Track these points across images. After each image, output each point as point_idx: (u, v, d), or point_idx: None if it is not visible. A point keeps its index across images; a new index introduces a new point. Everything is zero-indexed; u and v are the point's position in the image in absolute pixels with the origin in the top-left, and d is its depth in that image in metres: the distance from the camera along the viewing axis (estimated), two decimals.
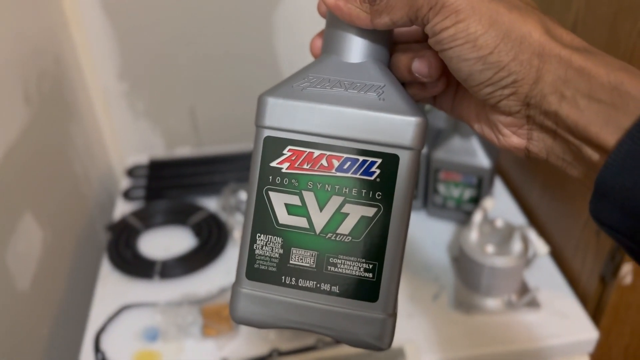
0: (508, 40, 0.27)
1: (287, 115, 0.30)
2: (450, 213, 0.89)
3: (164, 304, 0.75)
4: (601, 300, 0.73)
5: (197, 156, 1.06)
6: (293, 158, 0.31)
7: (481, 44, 0.27)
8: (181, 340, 0.71)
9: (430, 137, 0.88)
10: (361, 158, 0.30)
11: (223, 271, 0.82)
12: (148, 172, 1.02)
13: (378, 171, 0.30)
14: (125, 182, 1.01)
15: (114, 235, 0.87)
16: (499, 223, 0.76)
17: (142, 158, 1.06)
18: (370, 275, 0.31)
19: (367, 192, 0.30)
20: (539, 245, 0.81)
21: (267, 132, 0.31)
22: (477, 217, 0.75)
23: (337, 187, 0.31)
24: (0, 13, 0.69)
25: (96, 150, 1.03)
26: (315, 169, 0.31)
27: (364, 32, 0.31)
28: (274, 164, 0.31)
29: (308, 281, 0.31)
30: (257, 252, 0.32)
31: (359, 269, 0.31)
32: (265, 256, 0.32)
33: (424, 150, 0.85)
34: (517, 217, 0.89)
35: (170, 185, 0.99)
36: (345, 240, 0.31)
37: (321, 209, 0.31)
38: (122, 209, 0.94)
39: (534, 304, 0.74)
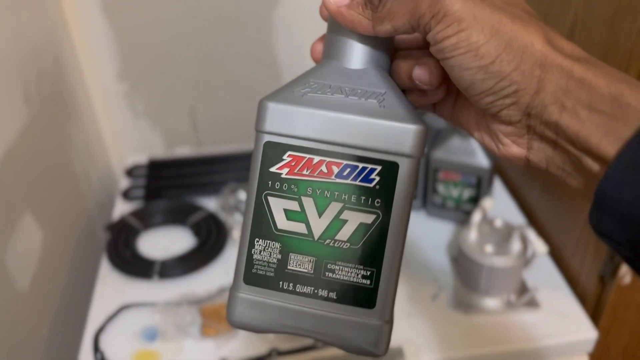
0: (510, 50, 0.27)
1: (288, 121, 0.30)
2: (449, 213, 0.89)
3: (163, 303, 0.75)
4: (600, 300, 0.73)
5: (197, 156, 1.06)
6: (293, 163, 0.31)
7: (483, 53, 0.27)
8: (180, 340, 0.71)
9: (429, 136, 0.88)
10: (361, 165, 0.30)
11: (222, 271, 0.82)
12: (147, 172, 1.02)
13: (377, 178, 0.30)
14: (124, 182, 1.01)
15: (113, 235, 0.87)
16: (498, 223, 0.76)
17: (141, 158, 1.06)
18: (368, 282, 0.31)
19: (367, 199, 0.30)
20: (538, 245, 0.81)
21: (267, 137, 0.31)
22: (476, 216, 0.76)
23: (336, 193, 0.31)
24: (0, 13, 0.69)
25: (96, 150, 1.03)
26: (315, 174, 0.31)
27: (365, 39, 0.31)
28: (273, 169, 0.31)
29: (306, 287, 0.31)
30: (255, 256, 0.32)
31: (357, 275, 0.31)
32: (263, 261, 0.32)
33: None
34: (516, 216, 0.89)
35: (169, 185, 0.99)
36: (344, 246, 0.31)
37: (320, 215, 0.31)
38: (122, 208, 0.94)
39: (533, 303, 0.74)
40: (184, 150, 1.10)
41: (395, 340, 0.70)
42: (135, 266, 0.82)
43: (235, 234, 0.87)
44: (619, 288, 0.70)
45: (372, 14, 0.30)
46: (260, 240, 0.32)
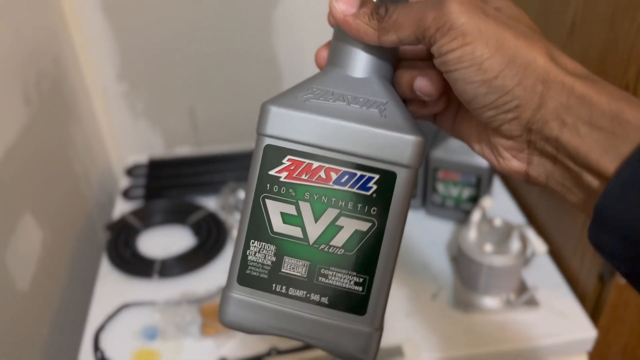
0: (513, 66, 0.27)
1: (289, 125, 0.31)
2: (449, 212, 0.89)
3: (163, 303, 0.75)
4: (600, 299, 0.73)
5: (197, 155, 1.06)
6: (292, 168, 0.31)
7: (486, 68, 0.27)
8: (180, 339, 0.71)
9: (429, 136, 0.88)
10: (359, 173, 0.30)
11: (222, 270, 0.82)
12: (147, 171, 1.02)
13: (375, 187, 0.30)
14: (124, 182, 1.01)
15: (113, 234, 0.87)
16: (498, 222, 0.76)
17: (141, 157, 1.07)
18: (360, 289, 0.31)
19: (363, 206, 0.31)
20: (538, 244, 0.81)
21: (268, 141, 0.31)
22: (476, 216, 0.76)
23: (333, 199, 0.31)
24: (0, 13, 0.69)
25: (96, 150, 1.03)
26: (313, 180, 0.31)
27: (370, 48, 0.32)
28: (272, 172, 0.31)
29: (298, 290, 0.32)
30: (249, 258, 0.32)
31: (350, 281, 0.31)
32: (258, 263, 0.32)
33: None
34: (515, 216, 0.89)
35: (169, 185, 0.99)
36: (338, 252, 0.31)
37: (316, 220, 0.31)
38: (122, 208, 0.94)
39: (532, 302, 0.74)
40: (183, 150, 1.11)
41: (395, 339, 0.70)
42: (135, 265, 0.82)
43: (235, 233, 0.87)
44: (619, 287, 0.70)
45: (378, 24, 0.30)
46: (256, 242, 0.32)
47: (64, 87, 0.90)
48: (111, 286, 0.80)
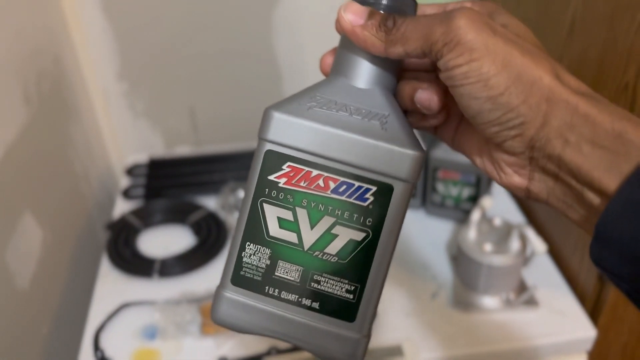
0: (519, 83, 0.27)
1: (290, 132, 0.31)
2: (448, 212, 0.89)
3: (162, 302, 0.75)
4: (599, 298, 0.73)
5: (197, 155, 1.06)
6: (291, 174, 0.31)
7: (493, 85, 0.27)
8: (180, 339, 0.71)
9: (429, 135, 0.88)
10: (357, 183, 0.31)
11: (221, 270, 0.82)
12: (147, 171, 1.02)
13: (372, 198, 0.31)
14: (124, 181, 1.01)
15: (114, 234, 0.87)
16: (497, 221, 0.76)
17: (141, 157, 1.07)
18: (351, 296, 0.32)
19: (359, 217, 0.31)
20: (537, 244, 0.81)
21: (269, 146, 0.31)
22: (476, 215, 0.76)
23: (330, 208, 0.31)
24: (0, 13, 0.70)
25: (96, 150, 1.03)
26: (312, 187, 0.31)
27: (376, 59, 0.32)
28: (272, 177, 0.32)
29: (290, 294, 0.32)
30: (244, 259, 0.33)
31: (341, 289, 0.32)
32: (252, 265, 0.32)
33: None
34: (515, 215, 0.89)
35: (169, 184, 0.99)
36: (332, 260, 0.32)
37: (312, 227, 0.32)
38: (122, 207, 0.95)
39: (532, 302, 0.75)
40: (183, 150, 1.11)
41: (395, 338, 0.71)
42: (135, 265, 0.82)
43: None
44: None
45: (385, 36, 0.30)
46: (252, 244, 0.32)
47: (64, 86, 0.90)
48: (111, 285, 0.80)
